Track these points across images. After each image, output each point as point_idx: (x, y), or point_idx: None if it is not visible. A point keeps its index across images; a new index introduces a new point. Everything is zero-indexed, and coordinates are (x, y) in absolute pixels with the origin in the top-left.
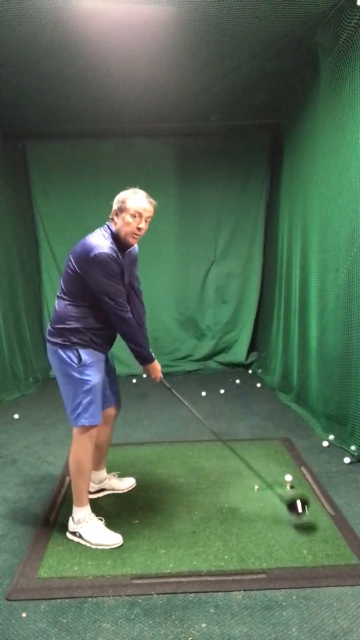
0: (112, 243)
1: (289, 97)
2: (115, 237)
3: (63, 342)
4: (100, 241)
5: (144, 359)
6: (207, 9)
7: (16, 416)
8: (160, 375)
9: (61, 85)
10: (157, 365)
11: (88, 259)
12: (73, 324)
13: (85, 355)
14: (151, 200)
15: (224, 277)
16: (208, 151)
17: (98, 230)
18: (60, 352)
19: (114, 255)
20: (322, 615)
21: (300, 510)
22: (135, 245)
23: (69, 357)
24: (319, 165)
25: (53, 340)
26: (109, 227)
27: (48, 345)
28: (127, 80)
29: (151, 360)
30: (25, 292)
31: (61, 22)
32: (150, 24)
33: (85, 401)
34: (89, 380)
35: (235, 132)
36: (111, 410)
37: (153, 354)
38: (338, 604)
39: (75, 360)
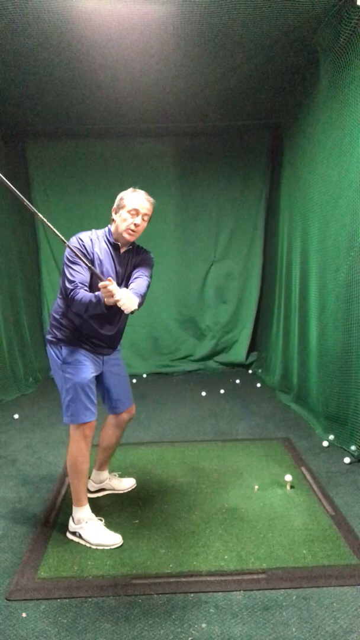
0: (98, 239)
1: (289, 97)
2: (112, 236)
3: (51, 339)
4: (83, 232)
5: (102, 307)
6: (207, 9)
7: (16, 416)
8: (115, 298)
9: (61, 85)
10: (109, 291)
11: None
12: (59, 319)
13: (67, 352)
14: (149, 198)
15: (224, 277)
16: (208, 151)
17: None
18: (49, 348)
19: (88, 240)
20: (322, 615)
21: None
22: (150, 255)
23: (55, 354)
24: (319, 165)
25: (47, 337)
26: (108, 227)
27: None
28: (127, 80)
29: (102, 303)
30: (25, 292)
31: (61, 22)
32: (150, 24)
33: (67, 399)
34: (69, 379)
35: (235, 132)
36: (124, 415)
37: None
38: (338, 604)
39: (58, 357)
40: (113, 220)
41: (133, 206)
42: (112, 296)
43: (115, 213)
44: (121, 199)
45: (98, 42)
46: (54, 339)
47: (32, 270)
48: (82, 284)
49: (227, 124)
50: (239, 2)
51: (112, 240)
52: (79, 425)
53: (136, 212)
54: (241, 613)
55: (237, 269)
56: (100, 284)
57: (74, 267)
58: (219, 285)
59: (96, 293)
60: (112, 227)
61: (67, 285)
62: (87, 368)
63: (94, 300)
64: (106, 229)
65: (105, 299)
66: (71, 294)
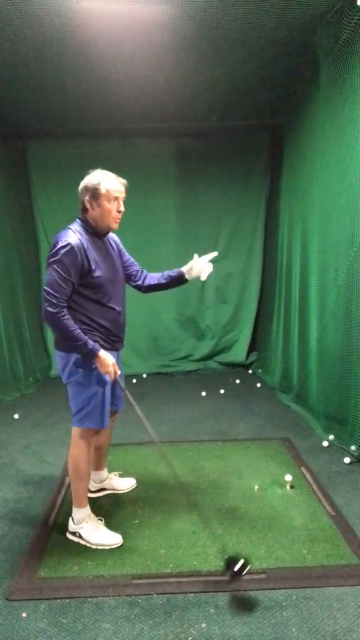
0: (82, 235)
1: (289, 97)
2: (91, 227)
3: (69, 346)
4: (67, 234)
5: (86, 354)
6: (207, 9)
7: (16, 416)
8: (114, 370)
9: (61, 85)
10: (104, 360)
11: (52, 250)
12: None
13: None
14: (121, 179)
15: (224, 277)
16: (208, 151)
17: (68, 227)
18: (67, 356)
19: (79, 244)
20: (322, 615)
21: (237, 569)
22: (114, 235)
23: (75, 362)
24: (319, 165)
25: (60, 346)
26: (79, 220)
27: (56, 352)
28: (127, 81)
29: (92, 352)
30: (25, 292)
31: (61, 22)
32: (150, 24)
33: (90, 405)
34: (93, 386)
35: (235, 132)
36: (115, 414)
37: (97, 345)
38: (338, 604)
39: (79, 365)
40: (86, 209)
41: (114, 194)
42: (108, 372)
43: (91, 204)
44: (95, 188)
45: (98, 42)
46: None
47: (32, 270)
48: (64, 298)
49: (227, 124)
50: (239, 3)
51: (93, 231)
52: (86, 430)
53: (116, 199)
54: (241, 613)
55: (237, 269)
56: (109, 372)
57: (64, 276)
58: (219, 285)
59: (92, 346)
60: (89, 218)
61: (52, 298)
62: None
63: (88, 345)
64: (78, 222)
65: (100, 368)
66: (57, 310)
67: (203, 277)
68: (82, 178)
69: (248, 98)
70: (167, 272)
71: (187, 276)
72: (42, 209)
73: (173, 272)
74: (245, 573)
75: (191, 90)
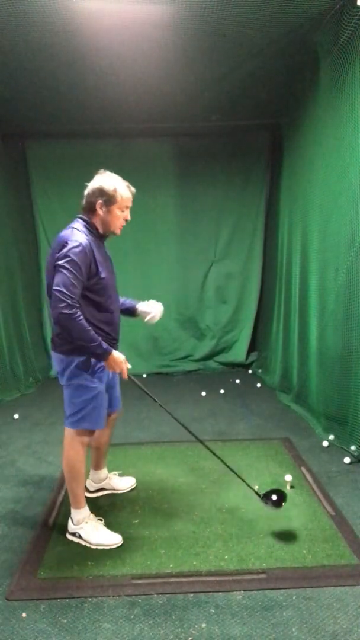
0: (87, 236)
1: (289, 97)
2: (96, 230)
3: (71, 349)
4: (75, 233)
5: (99, 355)
6: (207, 9)
7: (16, 416)
8: (127, 366)
9: (61, 85)
10: (117, 358)
11: (63, 250)
12: None
13: (95, 361)
14: (132, 189)
15: (224, 277)
16: (208, 151)
17: (70, 226)
18: (67, 359)
19: (89, 247)
20: (322, 615)
21: (275, 499)
22: None
23: (78, 365)
24: (319, 165)
25: (60, 349)
26: (81, 220)
27: (54, 354)
28: (127, 80)
29: (107, 353)
30: (25, 292)
31: (61, 22)
32: (150, 24)
33: (89, 407)
34: (95, 387)
35: (235, 132)
36: (114, 415)
37: (109, 347)
38: (338, 604)
39: (82, 368)
40: (94, 211)
41: (126, 203)
42: (122, 369)
43: (101, 207)
44: (112, 195)
45: (98, 42)
46: (75, 349)
47: (32, 270)
48: (77, 298)
49: (227, 124)
50: (239, 3)
51: (97, 233)
52: (82, 432)
53: (127, 208)
54: (241, 613)
55: (237, 269)
56: (122, 369)
57: (77, 276)
58: (219, 285)
59: (106, 346)
60: (96, 221)
61: (67, 300)
62: (107, 372)
63: (92, 347)
64: (82, 222)
65: (113, 367)
66: (72, 311)
67: (151, 320)
68: (81, 178)
69: (248, 98)
70: (122, 300)
71: (138, 312)
72: (42, 209)
73: (128, 304)
74: (285, 501)
75: (191, 90)
